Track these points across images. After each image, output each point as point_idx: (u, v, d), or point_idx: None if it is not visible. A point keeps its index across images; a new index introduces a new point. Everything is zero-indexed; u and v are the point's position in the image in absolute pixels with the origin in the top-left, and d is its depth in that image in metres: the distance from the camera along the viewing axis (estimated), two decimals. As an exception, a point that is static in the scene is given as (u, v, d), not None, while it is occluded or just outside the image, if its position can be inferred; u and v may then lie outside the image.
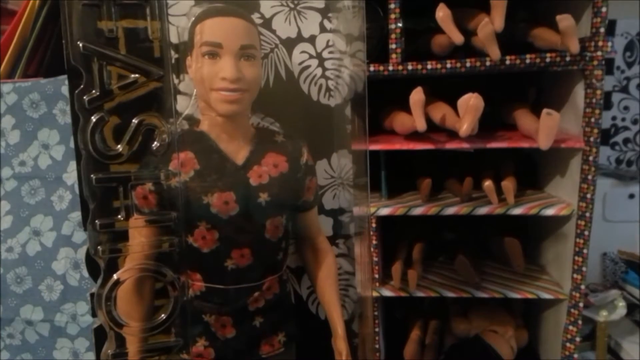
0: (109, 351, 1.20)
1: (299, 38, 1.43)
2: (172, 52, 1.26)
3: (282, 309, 1.31)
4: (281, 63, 1.43)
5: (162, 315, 1.18)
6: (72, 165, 1.94)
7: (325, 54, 1.44)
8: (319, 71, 1.43)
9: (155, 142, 1.19)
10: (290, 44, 1.42)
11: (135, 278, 1.19)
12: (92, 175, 1.14)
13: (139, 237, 1.19)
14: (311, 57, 1.44)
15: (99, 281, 1.18)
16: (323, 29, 1.43)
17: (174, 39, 1.26)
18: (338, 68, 1.45)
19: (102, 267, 1.17)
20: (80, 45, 1.14)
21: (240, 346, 1.24)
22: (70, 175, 1.92)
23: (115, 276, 1.16)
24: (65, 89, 1.81)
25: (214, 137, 1.22)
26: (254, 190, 1.21)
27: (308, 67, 1.43)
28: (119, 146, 1.18)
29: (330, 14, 1.42)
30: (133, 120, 1.16)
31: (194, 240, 1.21)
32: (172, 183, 1.19)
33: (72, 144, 1.94)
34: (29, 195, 1.94)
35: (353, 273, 1.54)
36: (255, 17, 1.43)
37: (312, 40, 1.43)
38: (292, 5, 1.40)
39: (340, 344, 1.31)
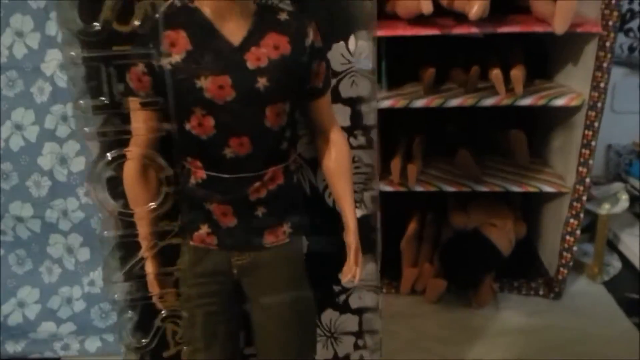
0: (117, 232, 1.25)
1: None
2: None
3: (287, 200, 1.24)
4: None
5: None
6: (51, 54, 1.81)
7: None
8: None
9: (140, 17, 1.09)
10: None
11: (138, 165, 1.18)
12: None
13: (139, 121, 1.16)
14: None
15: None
16: None
17: None
18: None
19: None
20: None
21: (243, 235, 1.20)
22: (49, 65, 1.80)
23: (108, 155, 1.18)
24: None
25: (209, 15, 1.09)
26: (252, 74, 1.09)
27: None
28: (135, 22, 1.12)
29: None
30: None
31: (192, 127, 1.12)
32: (163, 64, 1.08)
33: (48, 32, 1.81)
34: (7, 87, 1.83)
35: (373, 165, 1.41)
36: None
37: None
38: None
39: (350, 239, 1.26)
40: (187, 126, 1.12)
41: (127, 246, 1.28)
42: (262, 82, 1.10)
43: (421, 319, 2.06)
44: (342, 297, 1.49)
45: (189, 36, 1.08)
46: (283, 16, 1.14)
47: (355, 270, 1.26)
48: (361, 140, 1.38)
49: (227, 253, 1.21)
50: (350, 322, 1.51)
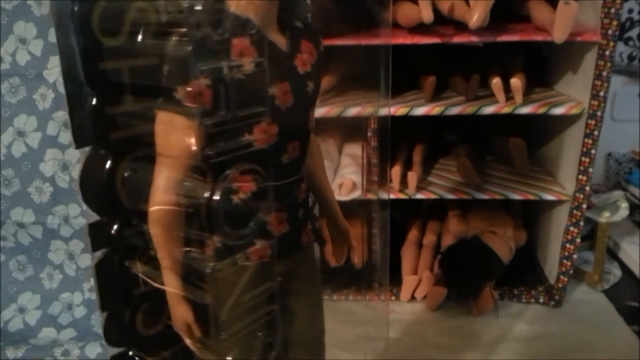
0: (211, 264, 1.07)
1: None
2: None
3: (308, 199, 1.29)
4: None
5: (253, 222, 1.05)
6: (53, 61, 1.82)
7: None
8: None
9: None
10: None
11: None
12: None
13: (182, 143, 1.01)
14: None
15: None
16: None
17: None
18: None
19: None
20: None
21: (291, 239, 1.20)
22: (52, 72, 1.81)
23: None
24: (38, -24, 1.67)
25: (258, 22, 1.04)
26: (303, 79, 1.12)
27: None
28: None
29: None
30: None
31: (254, 138, 1.05)
32: (235, 75, 1.00)
33: (51, 39, 1.81)
34: (9, 93, 1.84)
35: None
36: None
37: None
38: None
39: (345, 224, 1.37)
40: (248, 138, 1.05)
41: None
42: (310, 85, 1.13)
43: (421, 326, 2.05)
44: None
45: (252, 44, 1.03)
46: (299, 23, 1.16)
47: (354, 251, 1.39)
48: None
49: (274, 262, 1.16)
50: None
